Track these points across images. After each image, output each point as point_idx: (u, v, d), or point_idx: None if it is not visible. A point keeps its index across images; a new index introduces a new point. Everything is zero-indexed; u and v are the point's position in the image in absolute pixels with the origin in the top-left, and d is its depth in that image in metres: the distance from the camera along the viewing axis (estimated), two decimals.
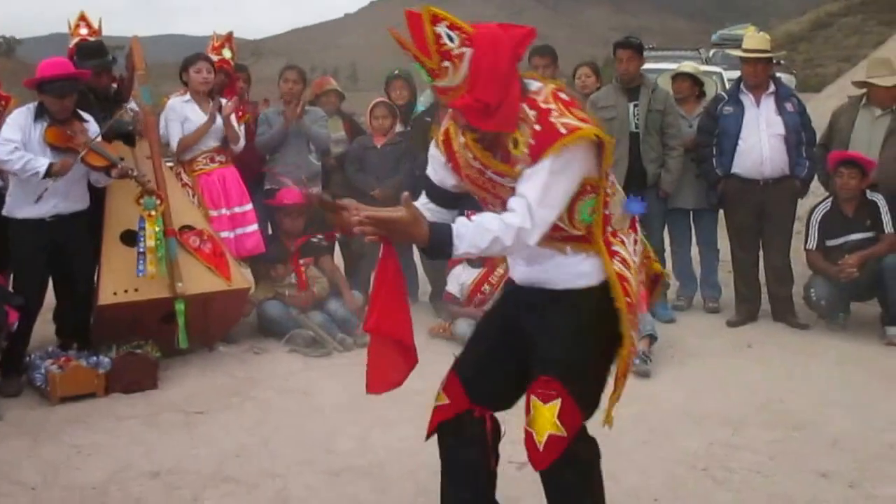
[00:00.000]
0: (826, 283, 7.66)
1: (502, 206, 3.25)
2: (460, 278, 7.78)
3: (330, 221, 3.58)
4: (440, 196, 3.74)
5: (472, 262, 7.79)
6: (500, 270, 7.73)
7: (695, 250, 8.76)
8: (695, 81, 8.80)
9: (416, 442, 5.43)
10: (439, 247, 3.15)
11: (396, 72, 9.18)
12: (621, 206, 3.46)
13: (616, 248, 3.43)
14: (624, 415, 5.75)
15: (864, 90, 8.20)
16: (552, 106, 3.18)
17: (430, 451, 5.29)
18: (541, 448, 3.35)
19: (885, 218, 7.59)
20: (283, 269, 7.73)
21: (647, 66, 13.83)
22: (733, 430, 5.59)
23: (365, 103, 9.03)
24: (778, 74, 15.36)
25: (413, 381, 6.55)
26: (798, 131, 7.96)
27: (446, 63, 3.10)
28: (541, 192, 3.14)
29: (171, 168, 7.68)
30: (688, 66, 9.00)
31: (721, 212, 8.45)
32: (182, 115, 7.68)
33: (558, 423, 3.31)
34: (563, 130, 3.11)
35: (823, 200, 7.91)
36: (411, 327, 3.79)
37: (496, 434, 3.86)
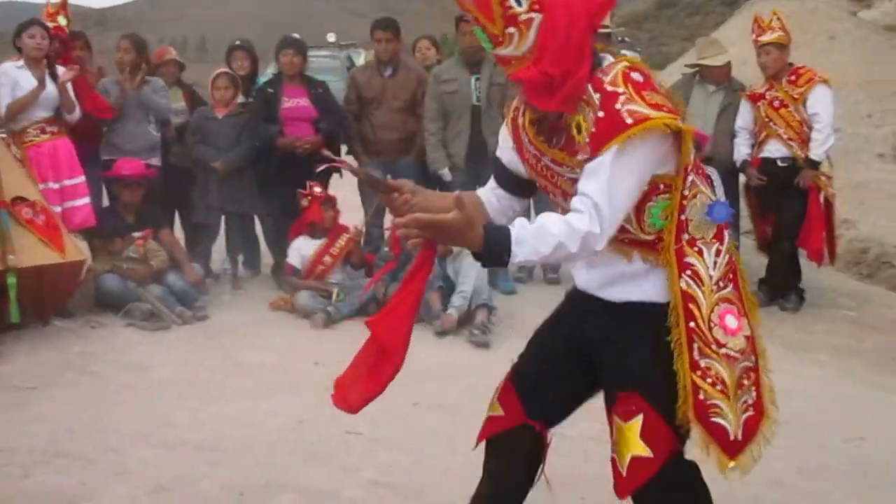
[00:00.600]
0: None
1: (564, 200, 2.90)
2: (301, 250, 7.75)
3: (382, 203, 3.04)
4: (510, 182, 3.30)
5: (314, 233, 7.75)
6: (340, 242, 7.73)
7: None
8: None
9: (254, 415, 5.44)
10: (496, 253, 2.74)
11: (238, 42, 9.05)
12: (703, 211, 2.94)
13: (690, 259, 2.91)
14: (462, 385, 5.88)
15: (697, 69, 8.49)
16: (619, 89, 2.75)
17: (266, 424, 5.30)
18: (624, 472, 2.92)
19: (718, 191, 7.82)
20: (120, 244, 7.53)
21: None
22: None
23: None
24: (623, 52, 15.74)
25: (251, 354, 6.58)
26: None
27: (511, 29, 2.73)
28: (608, 190, 2.70)
29: (2, 139, 7.40)
30: None
31: None
32: (13, 80, 7.38)
33: (642, 442, 2.87)
34: (628, 120, 2.68)
35: None
36: (406, 343, 3.11)
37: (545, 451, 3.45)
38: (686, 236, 2.91)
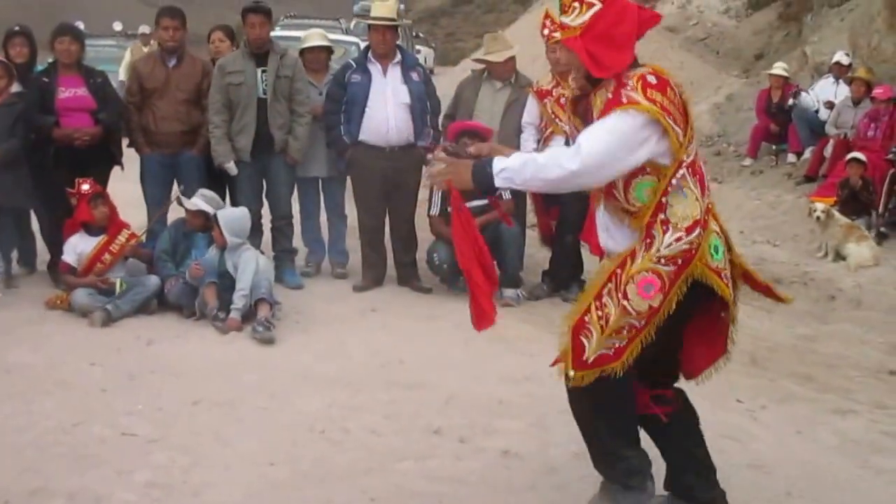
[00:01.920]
0: (447, 247, 7.90)
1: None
2: (77, 248, 7.44)
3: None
4: None
5: (91, 230, 7.47)
6: (121, 239, 7.48)
7: (323, 217, 8.80)
8: (326, 50, 8.82)
9: (24, 418, 5.24)
10: (483, 177, 3.65)
11: (17, 28, 8.60)
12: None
13: (654, 231, 3.68)
14: (245, 382, 5.79)
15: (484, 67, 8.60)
16: (630, 83, 3.58)
17: (36, 427, 5.09)
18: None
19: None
20: None
21: (285, 33, 13.78)
22: (353, 393, 5.69)
23: None
24: (418, 47, 15.84)
25: (22, 354, 6.29)
26: (423, 100, 8.19)
27: (576, 3, 3.65)
28: (592, 139, 3.56)
29: None
30: (317, 36, 8.97)
31: (349, 179, 8.54)
32: None
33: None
34: (623, 100, 3.55)
35: None
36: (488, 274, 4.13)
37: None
38: (662, 216, 3.66)
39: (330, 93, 8.26)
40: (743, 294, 4.17)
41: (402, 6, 8.39)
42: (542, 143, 8.06)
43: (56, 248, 7.99)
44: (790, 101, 12.99)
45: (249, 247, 7.31)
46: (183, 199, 7.73)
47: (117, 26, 18.66)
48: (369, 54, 8.22)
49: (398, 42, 8.45)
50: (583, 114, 3.84)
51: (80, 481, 4.49)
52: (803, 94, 12.92)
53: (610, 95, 3.61)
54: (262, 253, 7.71)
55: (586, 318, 3.75)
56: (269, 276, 7.36)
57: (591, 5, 3.61)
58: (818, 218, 9.68)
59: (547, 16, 8.04)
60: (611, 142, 3.54)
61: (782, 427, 5.55)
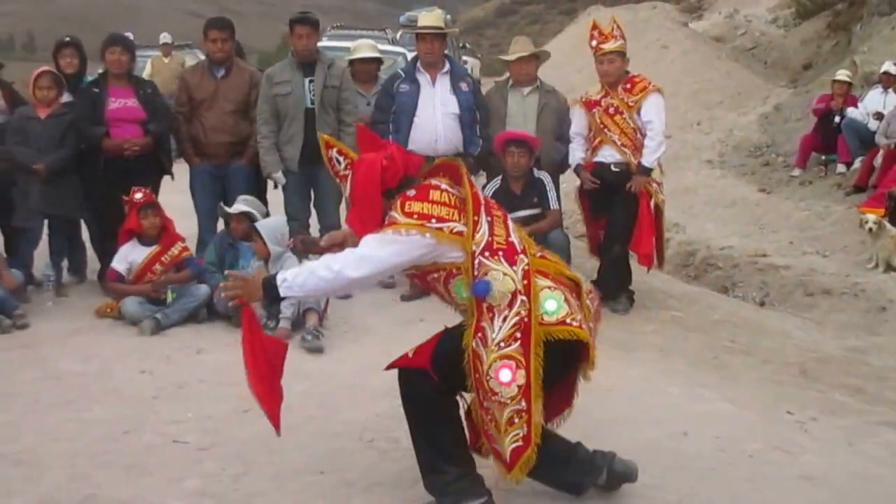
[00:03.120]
0: None
1: None
2: (129, 256, 7.50)
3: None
4: None
5: (144, 240, 7.53)
6: (174, 251, 7.54)
7: None
8: (376, 61, 8.86)
9: (75, 426, 5.25)
10: (272, 293, 4.01)
11: (67, 38, 8.72)
12: (469, 288, 3.94)
13: (483, 323, 3.92)
14: (293, 392, 5.78)
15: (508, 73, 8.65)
16: (395, 203, 3.97)
17: (87, 435, 5.12)
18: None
19: (551, 195, 7.96)
20: None
21: (333, 43, 13.85)
22: (400, 402, 5.67)
23: None
24: (464, 58, 15.86)
25: (73, 363, 6.36)
26: (472, 110, 8.18)
27: (337, 180, 4.25)
28: (362, 246, 3.96)
29: None
30: (367, 47, 9.02)
31: None
32: None
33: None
34: (389, 222, 3.94)
35: (494, 179, 8.16)
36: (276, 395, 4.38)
37: None
38: (485, 304, 3.91)
39: (378, 102, 8.29)
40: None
41: (447, 17, 8.38)
42: (591, 152, 8.04)
43: (106, 257, 8.07)
44: (840, 115, 12.87)
45: (291, 255, 7.33)
46: (223, 207, 7.77)
47: (165, 38, 18.82)
48: (418, 64, 8.23)
49: (446, 52, 8.44)
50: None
51: (131, 489, 4.52)
52: (850, 109, 12.78)
53: (392, 213, 3.99)
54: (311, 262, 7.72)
55: (487, 429, 4.03)
56: None
57: (347, 177, 4.15)
58: (870, 229, 9.58)
59: (595, 27, 8.00)
60: (377, 254, 3.93)
61: (832, 439, 5.49)
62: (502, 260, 3.93)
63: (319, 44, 8.41)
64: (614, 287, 8.07)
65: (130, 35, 8.62)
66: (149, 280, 7.41)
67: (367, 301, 8.09)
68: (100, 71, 8.31)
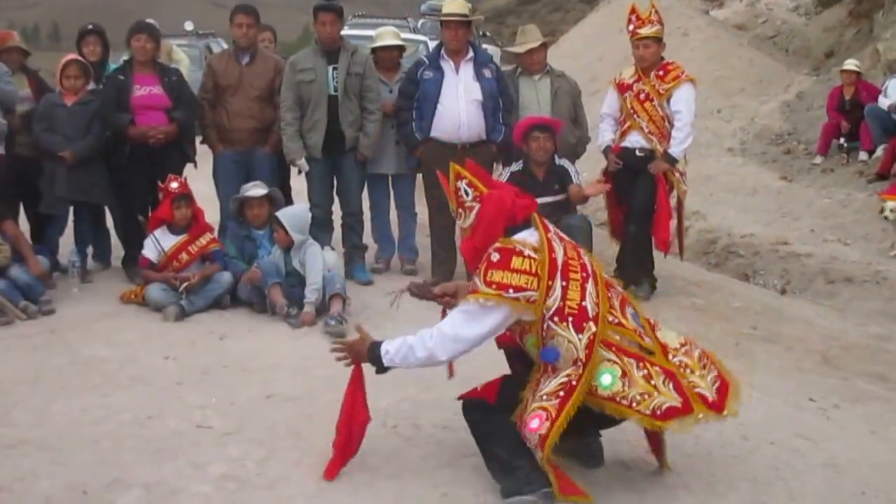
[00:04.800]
0: None
1: None
2: (159, 244, 7.54)
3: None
4: None
5: (173, 228, 7.58)
6: (202, 241, 7.59)
7: (393, 214, 8.85)
8: (398, 49, 8.86)
9: (100, 412, 5.30)
10: (374, 354, 4.34)
11: (90, 26, 8.78)
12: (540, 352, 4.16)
13: (541, 377, 4.16)
14: (317, 376, 5.84)
15: (515, 64, 8.68)
16: (480, 268, 4.16)
17: (113, 420, 5.17)
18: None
19: (576, 179, 7.95)
20: None
21: (355, 31, 13.87)
22: (424, 388, 5.70)
23: None
24: (485, 46, 15.84)
25: (99, 349, 6.41)
26: (495, 97, 8.17)
27: (460, 210, 4.36)
28: (446, 326, 4.22)
29: None
30: (390, 34, 9.02)
31: (420, 176, 8.58)
32: None
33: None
34: (472, 289, 4.16)
35: (515, 163, 8.13)
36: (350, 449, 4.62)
37: None
38: (550, 365, 4.12)
39: (402, 89, 8.29)
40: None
41: (469, 4, 8.37)
42: (621, 136, 8.04)
43: (130, 244, 8.14)
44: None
45: (313, 242, 7.36)
46: (238, 196, 7.78)
47: (188, 26, 18.88)
48: (442, 51, 8.23)
49: (470, 39, 8.44)
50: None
51: (156, 473, 4.55)
52: (881, 97, 12.71)
53: (476, 280, 4.20)
54: (333, 249, 7.75)
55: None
56: (340, 272, 7.43)
57: (472, 209, 4.30)
58: (885, 217, 9.56)
59: (633, 11, 7.98)
60: (461, 326, 4.17)
61: (856, 426, 5.49)
62: (570, 327, 4.07)
63: (341, 32, 8.41)
64: (633, 268, 8.06)
65: (152, 21, 8.63)
66: (174, 269, 7.46)
67: (388, 288, 8.07)
68: (124, 58, 8.36)
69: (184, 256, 7.55)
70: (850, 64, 13.69)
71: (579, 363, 4.04)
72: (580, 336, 4.05)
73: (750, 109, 16.40)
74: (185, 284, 7.24)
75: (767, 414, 5.49)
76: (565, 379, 4.05)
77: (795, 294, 9.07)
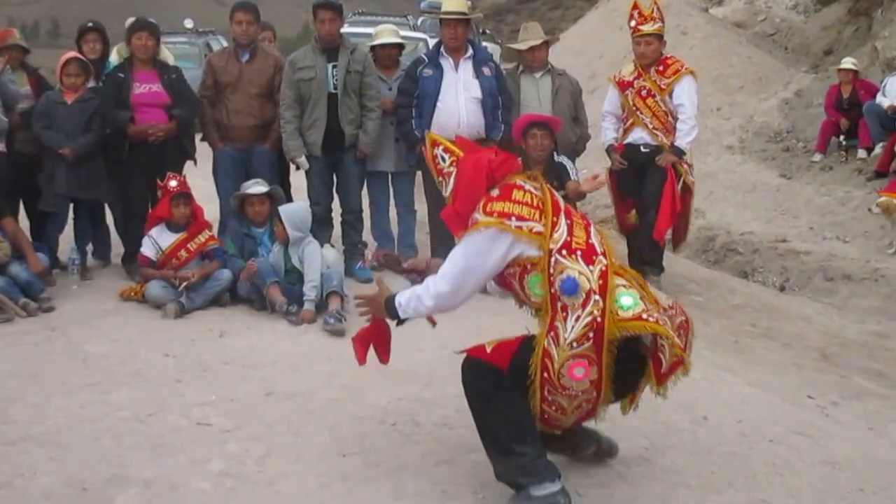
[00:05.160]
0: None
1: None
2: (157, 241, 7.55)
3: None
4: None
5: (172, 226, 7.58)
6: (200, 238, 7.59)
7: (393, 212, 8.86)
8: (398, 46, 8.86)
9: (100, 408, 5.30)
10: (391, 307, 4.25)
11: (90, 24, 8.78)
12: (557, 286, 3.93)
13: (557, 322, 3.93)
14: (316, 374, 5.85)
15: (517, 62, 8.68)
16: (478, 205, 4.04)
17: (112, 417, 5.18)
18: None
19: (573, 174, 7.95)
20: None
21: (354, 29, 13.85)
22: (423, 386, 5.72)
23: None
24: (484, 44, 15.87)
25: (99, 345, 6.42)
26: (494, 95, 8.18)
27: (440, 178, 4.28)
28: (449, 263, 4.07)
29: None
30: (389, 32, 9.01)
31: (419, 173, 8.59)
32: None
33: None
34: (469, 224, 4.05)
35: None
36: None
37: None
38: (559, 303, 3.92)
39: (402, 87, 8.30)
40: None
41: (469, 2, 8.38)
42: (624, 133, 8.06)
43: (130, 241, 8.14)
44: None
45: (312, 239, 7.38)
46: (239, 194, 7.79)
47: (188, 23, 18.87)
48: (441, 49, 8.24)
49: (469, 37, 8.45)
50: None
51: (156, 469, 4.57)
52: (879, 95, 12.73)
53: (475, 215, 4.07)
54: (333, 246, 7.75)
55: (545, 416, 4.08)
56: (339, 270, 7.45)
57: (451, 174, 4.21)
58: (869, 209, 9.64)
59: (635, 7, 8.01)
60: (462, 260, 4.04)
61: (854, 423, 5.51)
62: (579, 259, 3.95)
63: (341, 30, 8.41)
64: (653, 253, 8.12)
65: (152, 20, 8.62)
66: (173, 266, 7.47)
67: (389, 285, 8.11)
68: (124, 56, 8.36)
69: (182, 254, 7.54)
70: (848, 62, 13.73)
71: (593, 295, 3.88)
72: (591, 268, 3.94)
73: (749, 107, 16.43)
74: (184, 284, 7.24)
75: (766, 411, 5.51)
76: (589, 318, 3.87)
77: (794, 291, 9.10)
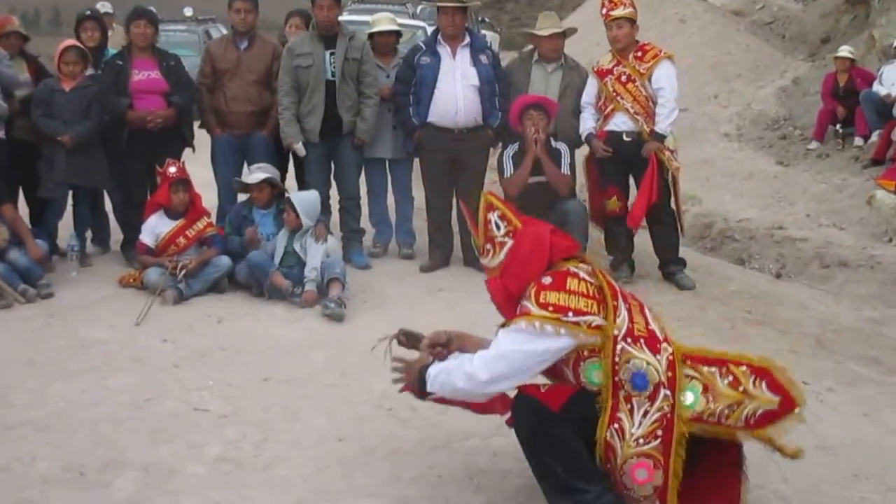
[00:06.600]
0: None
1: None
2: (155, 228, 7.57)
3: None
4: None
5: (170, 213, 7.60)
6: (199, 225, 7.62)
7: (391, 198, 8.88)
8: (395, 34, 8.87)
9: (99, 393, 5.34)
10: (420, 378, 3.96)
11: (88, 12, 8.80)
12: (628, 379, 3.61)
13: (620, 414, 3.61)
14: (314, 360, 5.88)
15: (532, 46, 8.61)
16: (527, 291, 3.70)
17: (111, 402, 5.21)
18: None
19: (565, 162, 7.97)
20: None
21: (353, 17, 13.82)
22: None
23: None
24: (483, 32, 15.86)
25: (98, 331, 6.44)
26: (491, 82, 8.19)
27: (489, 245, 3.94)
28: (495, 346, 3.72)
29: None
30: (386, 20, 9.01)
31: (417, 160, 8.61)
32: None
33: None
34: (520, 311, 3.70)
35: (511, 145, 8.12)
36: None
37: None
38: (623, 392, 3.61)
39: (400, 74, 8.32)
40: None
41: None
42: (603, 120, 8.05)
43: (129, 228, 8.18)
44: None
45: (314, 226, 7.44)
46: (240, 180, 7.87)
47: (188, 11, 18.85)
48: (439, 37, 8.25)
49: (467, 25, 8.45)
50: None
51: (153, 454, 4.60)
52: (876, 84, 12.73)
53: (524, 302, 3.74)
54: (332, 234, 7.78)
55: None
56: (340, 258, 7.51)
57: (503, 245, 3.90)
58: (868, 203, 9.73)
59: None
60: (510, 354, 3.69)
61: (849, 409, 5.53)
62: (645, 348, 3.65)
63: (339, 18, 8.42)
64: (671, 250, 8.19)
65: (153, 9, 8.63)
66: (172, 252, 7.49)
67: (386, 271, 8.17)
68: (123, 44, 8.38)
69: (181, 241, 7.56)
70: (844, 51, 13.73)
71: (662, 389, 3.59)
72: (658, 357, 3.64)
73: (746, 95, 16.40)
74: (183, 271, 7.26)
75: None
76: (658, 414, 3.58)
77: (790, 278, 9.10)
